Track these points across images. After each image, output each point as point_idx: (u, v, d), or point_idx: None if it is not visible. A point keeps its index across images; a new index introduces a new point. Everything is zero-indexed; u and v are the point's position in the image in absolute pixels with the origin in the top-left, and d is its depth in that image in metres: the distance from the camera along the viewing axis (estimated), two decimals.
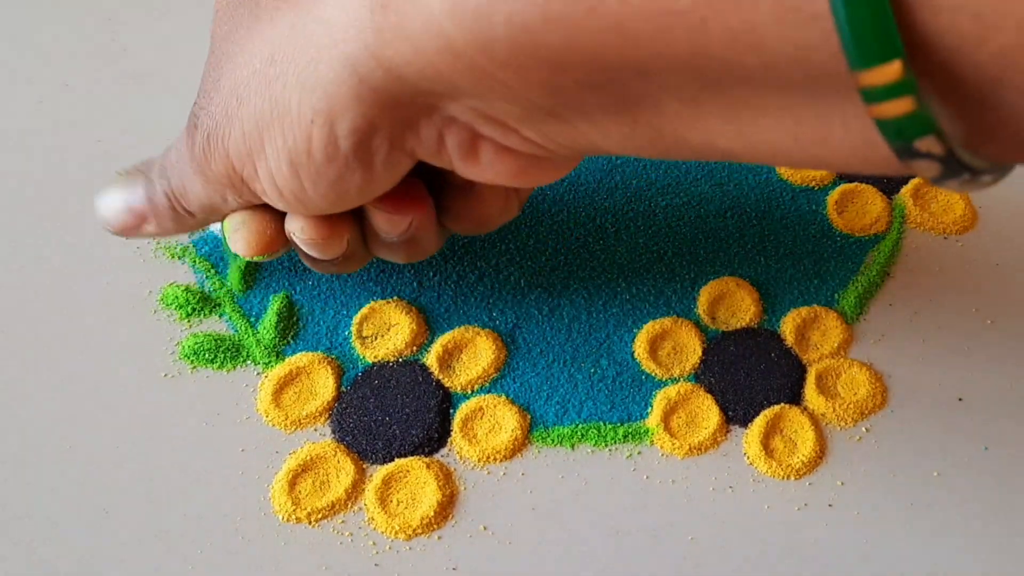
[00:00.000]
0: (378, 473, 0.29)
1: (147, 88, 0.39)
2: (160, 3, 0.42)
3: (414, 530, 0.28)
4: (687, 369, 0.31)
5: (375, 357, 0.31)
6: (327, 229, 0.27)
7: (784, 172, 0.36)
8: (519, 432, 0.30)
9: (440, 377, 0.31)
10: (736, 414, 0.30)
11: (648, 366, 0.31)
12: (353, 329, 0.32)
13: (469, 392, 0.31)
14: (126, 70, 0.40)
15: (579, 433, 0.30)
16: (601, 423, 0.30)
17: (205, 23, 0.41)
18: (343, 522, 0.28)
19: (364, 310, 0.32)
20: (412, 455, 0.29)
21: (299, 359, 0.31)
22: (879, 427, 0.30)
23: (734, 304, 0.32)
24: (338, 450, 0.29)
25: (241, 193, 0.26)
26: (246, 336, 0.32)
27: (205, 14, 0.41)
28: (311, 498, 0.28)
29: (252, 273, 0.33)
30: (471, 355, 0.31)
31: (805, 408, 0.30)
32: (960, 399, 0.30)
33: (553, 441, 0.30)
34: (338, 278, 0.33)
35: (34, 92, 0.39)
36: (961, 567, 0.27)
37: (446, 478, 0.29)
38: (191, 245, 0.34)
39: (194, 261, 0.33)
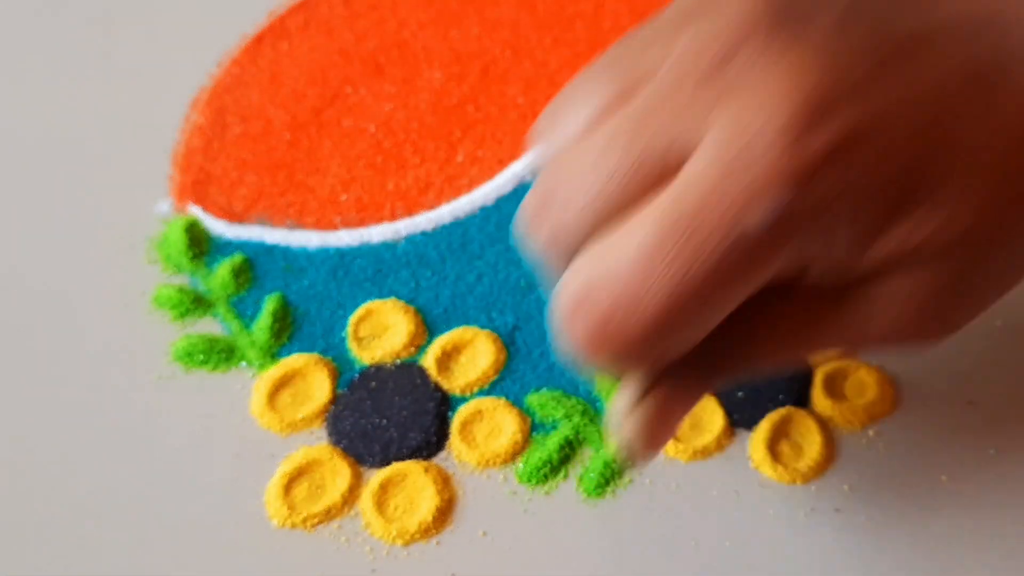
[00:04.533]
0: (375, 477, 0.29)
1: (140, 85, 0.39)
2: (158, 3, 0.42)
3: (412, 536, 0.27)
4: None
5: (372, 359, 0.31)
6: None
7: None
8: (519, 435, 0.29)
9: (438, 379, 0.31)
10: (741, 417, 0.30)
11: None
12: (349, 330, 0.32)
13: (468, 394, 0.30)
14: (119, 67, 0.39)
15: (581, 436, 0.29)
16: (603, 426, 0.29)
17: (204, 23, 0.41)
18: (339, 527, 0.28)
19: (360, 311, 0.32)
20: (410, 459, 0.29)
21: (294, 361, 0.31)
22: (888, 431, 0.29)
23: None
24: (334, 454, 0.29)
25: None
26: (240, 337, 0.31)
27: (204, 14, 0.41)
28: (306, 503, 0.28)
29: (245, 272, 0.33)
30: (470, 357, 0.31)
31: (812, 411, 0.30)
32: (970, 402, 0.30)
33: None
34: (334, 277, 0.33)
35: (34, 92, 0.38)
36: (971, 573, 0.27)
37: (444, 482, 0.28)
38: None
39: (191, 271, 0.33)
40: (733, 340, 0.21)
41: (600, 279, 0.19)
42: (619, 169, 0.19)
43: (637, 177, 0.19)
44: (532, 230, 0.21)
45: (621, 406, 0.22)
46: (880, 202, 0.18)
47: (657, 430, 0.22)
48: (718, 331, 0.20)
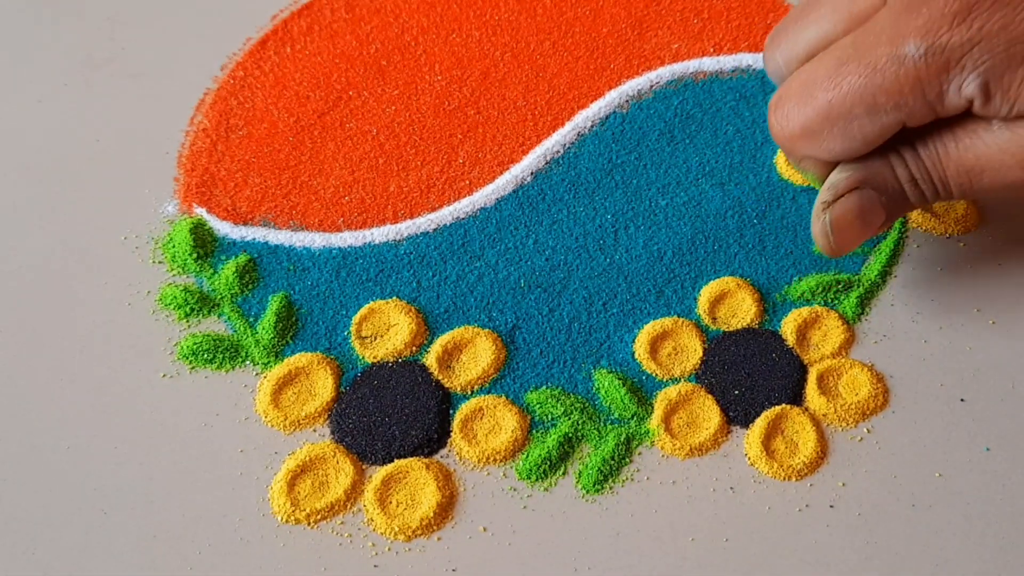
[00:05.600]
0: (377, 474, 0.29)
1: (147, 88, 0.39)
2: (159, 3, 0.42)
3: (414, 531, 0.28)
4: (688, 370, 0.31)
5: (374, 357, 0.31)
6: None
7: (784, 172, 0.36)
8: (519, 433, 0.30)
9: (440, 377, 0.31)
10: (737, 415, 0.30)
11: (648, 366, 0.31)
12: (352, 329, 0.32)
13: (469, 392, 0.31)
14: (126, 70, 0.40)
15: (579, 434, 0.30)
16: (601, 424, 0.30)
17: (209, 28, 0.41)
18: (342, 523, 0.28)
19: (363, 310, 0.32)
20: (412, 456, 0.29)
21: (298, 359, 0.31)
22: (880, 428, 0.30)
23: (735, 304, 0.32)
24: (337, 451, 0.29)
25: None
26: (245, 336, 0.32)
27: (209, 19, 0.41)
28: (310, 499, 0.28)
29: (249, 272, 0.33)
30: (471, 355, 0.31)
31: (806, 409, 0.30)
32: (962, 400, 0.30)
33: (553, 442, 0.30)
34: (337, 277, 0.33)
35: (34, 92, 0.39)
36: (963, 568, 0.27)
37: (446, 479, 0.29)
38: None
39: (195, 271, 0.33)
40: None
41: (796, 78, 0.27)
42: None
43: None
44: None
45: (817, 206, 0.28)
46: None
47: (843, 234, 0.28)
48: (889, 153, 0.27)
